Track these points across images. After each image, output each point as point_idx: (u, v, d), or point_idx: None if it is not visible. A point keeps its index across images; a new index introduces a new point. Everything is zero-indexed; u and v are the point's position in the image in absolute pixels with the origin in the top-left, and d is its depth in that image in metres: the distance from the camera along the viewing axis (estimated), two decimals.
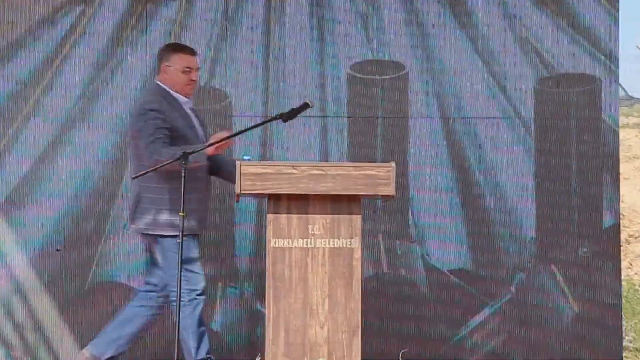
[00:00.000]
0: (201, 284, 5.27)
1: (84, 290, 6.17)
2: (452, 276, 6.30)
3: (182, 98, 5.39)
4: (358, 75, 6.35)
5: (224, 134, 5.24)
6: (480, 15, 6.42)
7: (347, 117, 6.33)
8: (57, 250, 6.12)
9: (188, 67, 5.37)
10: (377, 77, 6.37)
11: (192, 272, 5.24)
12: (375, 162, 6.17)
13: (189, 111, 5.41)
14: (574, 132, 6.39)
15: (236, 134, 5.33)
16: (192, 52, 5.44)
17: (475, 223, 6.36)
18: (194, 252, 5.29)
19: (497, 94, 6.40)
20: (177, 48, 5.48)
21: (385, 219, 6.31)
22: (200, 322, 5.26)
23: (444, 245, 6.36)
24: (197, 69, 5.45)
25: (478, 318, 6.32)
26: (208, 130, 5.52)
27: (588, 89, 6.39)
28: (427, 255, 6.32)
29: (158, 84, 5.42)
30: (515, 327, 6.32)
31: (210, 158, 5.26)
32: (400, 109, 6.36)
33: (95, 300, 6.16)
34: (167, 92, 5.38)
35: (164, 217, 5.28)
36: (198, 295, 5.25)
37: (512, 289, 6.31)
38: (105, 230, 6.19)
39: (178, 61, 5.38)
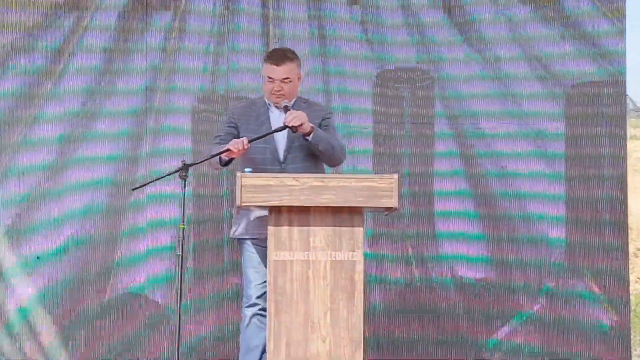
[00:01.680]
0: (251, 293, 5.16)
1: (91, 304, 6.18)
2: (479, 286, 6.36)
3: (271, 105, 5.31)
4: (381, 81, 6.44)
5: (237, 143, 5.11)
6: (489, 33, 6.49)
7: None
8: (37, 258, 6.10)
9: (269, 77, 5.26)
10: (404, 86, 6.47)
11: (247, 279, 5.20)
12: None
13: (275, 119, 5.26)
14: (605, 139, 6.43)
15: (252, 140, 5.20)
16: (276, 61, 5.25)
17: (501, 233, 6.42)
18: (252, 258, 5.20)
19: (514, 108, 6.48)
20: (266, 56, 5.36)
21: (412, 228, 6.40)
22: (248, 337, 5.16)
23: (470, 255, 6.42)
24: (283, 79, 5.23)
25: (504, 330, 6.40)
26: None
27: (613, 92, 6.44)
28: (454, 266, 6.39)
29: None
30: (525, 338, 6.37)
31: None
32: (425, 115, 6.44)
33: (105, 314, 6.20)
34: (261, 98, 5.37)
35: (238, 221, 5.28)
36: (246, 307, 5.18)
37: (541, 301, 6.41)
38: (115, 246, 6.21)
39: (263, 69, 5.32)
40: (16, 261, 6.07)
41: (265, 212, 4.95)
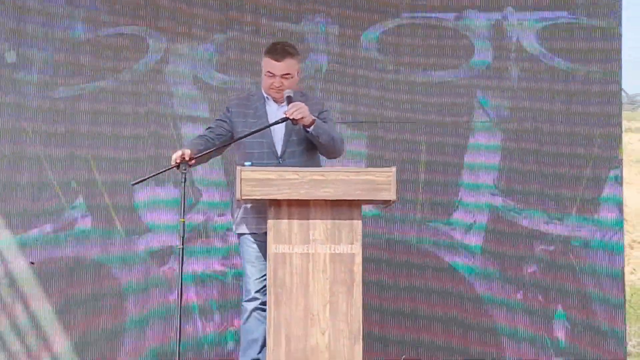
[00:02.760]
0: (250, 287, 5.16)
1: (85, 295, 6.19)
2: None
3: (269, 97, 5.30)
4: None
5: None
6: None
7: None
8: (31, 263, 6.11)
9: (269, 72, 5.25)
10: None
11: (246, 274, 5.21)
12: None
13: (273, 113, 5.26)
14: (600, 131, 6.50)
15: (245, 136, 5.21)
16: (276, 57, 5.23)
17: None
18: (249, 253, 5.20)
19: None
20: (266, 50, 5.31)
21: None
22: (248, 330, 5.16)
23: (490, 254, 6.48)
24: (284, 75, 5.22)
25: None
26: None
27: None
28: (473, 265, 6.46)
29: None
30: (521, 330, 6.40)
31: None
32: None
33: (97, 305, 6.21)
34: (259, 90, 5.36)
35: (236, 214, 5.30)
36: (245, 301, 5.18)
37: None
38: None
39: (264, 63, 5.29)
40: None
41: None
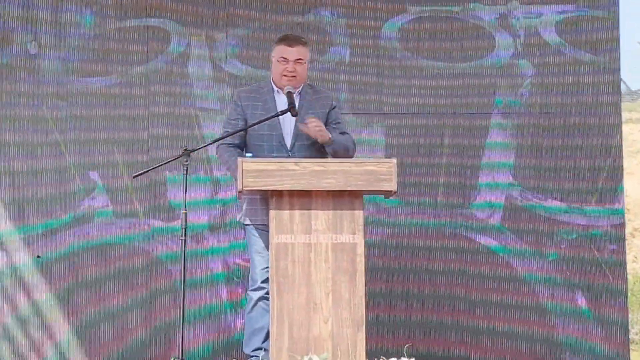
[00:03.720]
0: (257, 277, 5.20)
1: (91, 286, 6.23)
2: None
3: (279, 90, 5.35)
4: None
5: None
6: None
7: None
8: (38, 257, 6.12)
9: (283, 58, 5.30)
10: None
11: (253, 264, 5.24)
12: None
13: (282, 105, 5.28)
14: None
15: (244, 129, 5.27)
16: (291, 43, 5.31)
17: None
18: (257, 243, 5.24)
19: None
20: (279, 40, 5.38)
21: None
22: (253, 319, 5.20)
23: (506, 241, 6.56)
24: (297, 60, 5.30)
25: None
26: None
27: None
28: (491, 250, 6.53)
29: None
30: (521, 319, 6.46)
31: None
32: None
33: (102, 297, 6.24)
34: (268, 82, 5.40)
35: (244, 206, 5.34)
36: (251, 290, 5.22)
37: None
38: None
39: (275, 51, 5.34)
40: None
41: None
